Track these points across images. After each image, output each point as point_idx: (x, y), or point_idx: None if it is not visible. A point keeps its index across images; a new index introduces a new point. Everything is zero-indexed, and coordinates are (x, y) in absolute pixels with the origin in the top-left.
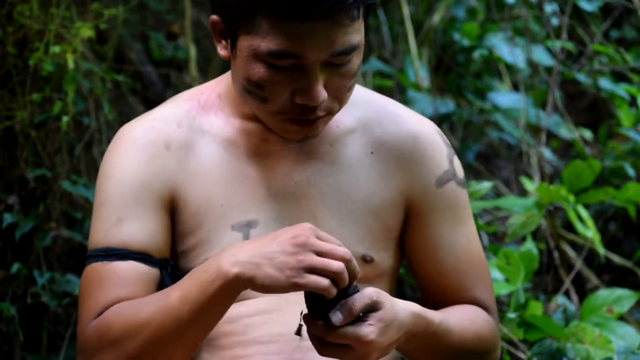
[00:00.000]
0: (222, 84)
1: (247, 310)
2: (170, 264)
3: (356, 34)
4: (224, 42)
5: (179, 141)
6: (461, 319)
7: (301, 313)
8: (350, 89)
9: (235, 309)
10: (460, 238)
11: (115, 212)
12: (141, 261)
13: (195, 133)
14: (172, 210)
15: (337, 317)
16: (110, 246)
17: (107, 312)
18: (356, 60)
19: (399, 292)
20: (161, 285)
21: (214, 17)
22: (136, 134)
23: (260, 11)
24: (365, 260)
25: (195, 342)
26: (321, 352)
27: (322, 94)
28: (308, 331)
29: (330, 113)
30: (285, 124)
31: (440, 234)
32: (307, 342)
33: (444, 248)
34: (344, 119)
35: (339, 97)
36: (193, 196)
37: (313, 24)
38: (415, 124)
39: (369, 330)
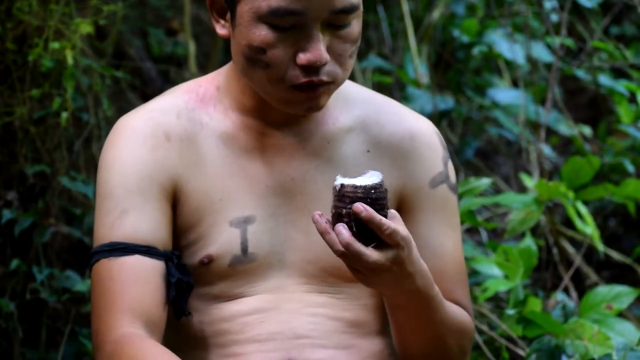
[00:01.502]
0: (220, 76)
1: (243, 309)
2: (175, 255)
3: None
4: (222, 21)
5: (178, 133)
6: (449, 304)
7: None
8: (352, 56)
9: (232, 308)
10: (447, 242)
11: (118, 203)
12: (146, 254)
13: (195, 125)
14: (174, 202)
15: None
16: (115, 240)
17: (124, 345)
18: (356, 25)
19: None
20: (167, 277)
21: None
22: (136, 125)
23: None
24: None
25: None
26: (354, 251)
27: (325, 54)
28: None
29: (334, 82)
30: (289, 93)
31: (428, 234)
32: (304, 340)
33: (430, 249)
34: (341, 116)
35: (342, 62)
36: (194, 189)
37: None
38: (413, 123)
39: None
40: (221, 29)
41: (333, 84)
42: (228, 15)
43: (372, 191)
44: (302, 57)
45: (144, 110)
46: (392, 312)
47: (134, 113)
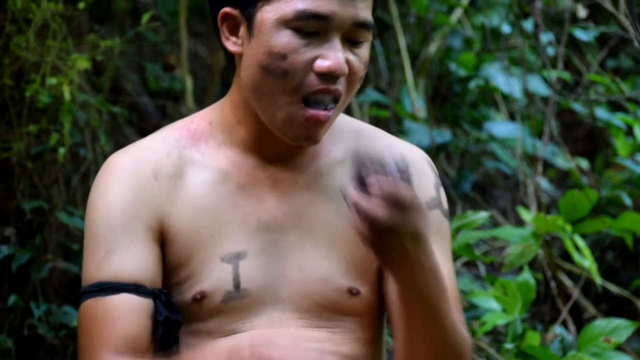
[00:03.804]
0: (213, 112)
1: (237, 345)
2: (163, 293)
3: (370, 14)
4: (234, 37)
5: (167, 171)
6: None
7: None
8: (360, 80)
9: (226, 344)
10: (441, 266)
11: (103, 244)
12: (134, 292)
13: (185, 163)
14: (162, 242)
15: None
16: (102, 280)
17: None
18: (367, 49)
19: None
20: (155, 315)
21: (226, 9)
22: (124, 164)
23: None
24: (352, 292)
25: None
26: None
27: (345, 64)
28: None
29: (338, 102)
30: (297, 109)
31: None
32: None
33: None
34: (333, 149)
35: (351, 82)
36: (183, 227)
37: None
38: (403, 152)
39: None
40: (232, 46)
41: (337, 109)
42: (241, 31)
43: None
44: (322, 64)
45: (134, 149)
46: (407, 307)
47: (124, 151)
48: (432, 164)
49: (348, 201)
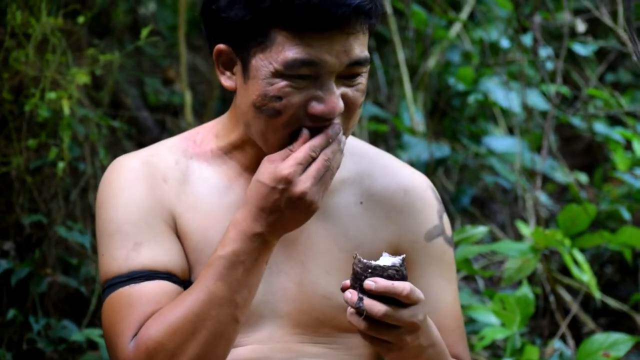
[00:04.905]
0: (219, 125)
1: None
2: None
3: (365, 48)
4: (228, 72)
5: (176, 176)
6: None
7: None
8: (360, 108)
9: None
10: (446, 295)
11: (129, 238)
12: (167, 280)
13: (193, 171)
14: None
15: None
16: (134, 270)
17: (143, 331)
18: (364, 76)
19: None
20: None
21: (220, 46)
22: (134, 165)
23: (275, 24)
24: None
25: (244, 316)
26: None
27: (340, 103)
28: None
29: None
30: (288, 141)
31: (427, 288)
32: None
33: (429, 303)
34: None
35: (351, 113)
36: (191, 230)
37: (331, 34)
38: (406, 177)
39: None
40: (227, 81)
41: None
42: (236, 68)
43: (389, 271)
44: (317, 107)
45: (141, 154)
46: None
47: (130, 155)
48: (435, 190)
49: (345, 298)
